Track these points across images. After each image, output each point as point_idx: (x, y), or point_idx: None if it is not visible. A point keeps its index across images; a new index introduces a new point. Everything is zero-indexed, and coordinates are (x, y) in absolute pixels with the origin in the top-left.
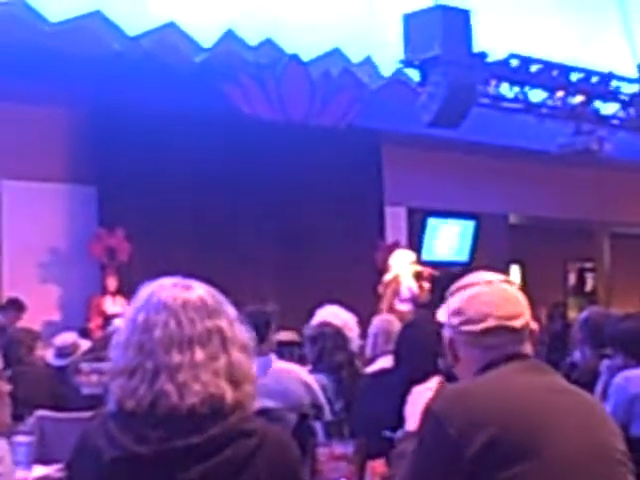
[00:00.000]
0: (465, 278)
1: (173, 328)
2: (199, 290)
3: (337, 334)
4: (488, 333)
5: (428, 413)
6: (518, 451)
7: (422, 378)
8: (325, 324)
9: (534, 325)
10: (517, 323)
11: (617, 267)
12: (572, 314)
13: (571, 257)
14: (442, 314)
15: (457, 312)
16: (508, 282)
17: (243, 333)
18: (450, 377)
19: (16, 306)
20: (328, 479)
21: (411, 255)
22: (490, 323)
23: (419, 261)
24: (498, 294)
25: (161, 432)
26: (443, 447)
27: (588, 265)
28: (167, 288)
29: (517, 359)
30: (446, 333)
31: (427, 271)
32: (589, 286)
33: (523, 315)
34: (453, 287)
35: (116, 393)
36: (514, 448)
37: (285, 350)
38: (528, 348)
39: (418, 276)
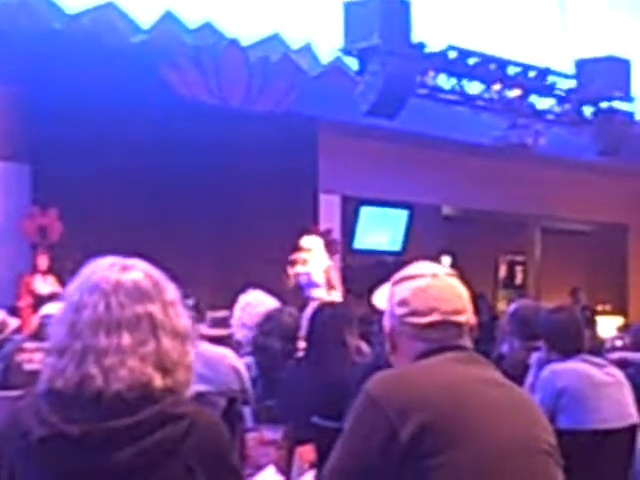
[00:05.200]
0: (410, 268)
1: (102, 311)
2: (136, 272)
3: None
4: (433, 327)
5: (364, 395)
6: (449, 438)
7: (330, 364)
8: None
9: (473, 320)
10: (461, 318)
11: (547, 261)
12: (501, 306)
13: (502, 250)
14: (381, 301)
15: (403, 303)
16: (452, 275)
17: (179, 319)
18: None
19: None
20: (257, 464)
21: (319, 241)
22: (436, 317)
23: (351, 249)
24: (445, 288)
25: (90, 413)
26: (380, 429)
27: (519, 258)
28: (104, 268)
29: (454, 350)
30: (387, 322)
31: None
32: (519, 279)
33: (467, 310)
34: (397, 276)
35: (47, 371)
36: (445, 435)
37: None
38: (467, 341)
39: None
